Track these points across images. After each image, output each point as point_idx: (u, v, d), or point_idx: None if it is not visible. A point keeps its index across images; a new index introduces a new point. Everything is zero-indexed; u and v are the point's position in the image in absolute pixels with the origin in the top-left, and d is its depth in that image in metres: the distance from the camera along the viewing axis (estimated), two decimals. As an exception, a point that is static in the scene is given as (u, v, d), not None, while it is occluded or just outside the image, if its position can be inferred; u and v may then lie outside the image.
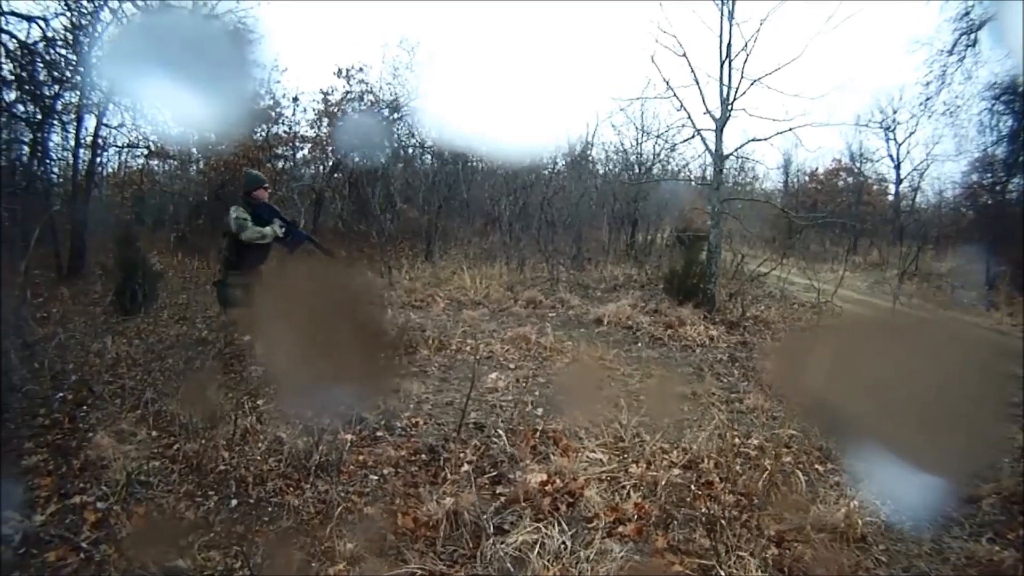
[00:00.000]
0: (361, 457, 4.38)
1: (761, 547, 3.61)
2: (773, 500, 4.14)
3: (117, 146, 12.56)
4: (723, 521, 3.78)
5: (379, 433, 4.81)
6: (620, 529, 3.71)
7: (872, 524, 3.89)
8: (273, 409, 5.01)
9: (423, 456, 4.47)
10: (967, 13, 16.83)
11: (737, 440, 4.88)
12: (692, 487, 4.19)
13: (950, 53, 17.15)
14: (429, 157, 15.84)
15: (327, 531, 3.49)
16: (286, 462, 4.14)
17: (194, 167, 14.22)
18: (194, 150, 13.56)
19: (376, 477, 4.16)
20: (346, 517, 3.70)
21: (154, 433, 4.52)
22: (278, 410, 4.99)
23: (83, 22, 10.44)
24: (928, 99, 18.23)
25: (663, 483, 4.13)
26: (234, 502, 3.79)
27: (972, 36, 16.92)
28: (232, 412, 4.68)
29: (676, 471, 4.37)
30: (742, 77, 10.56)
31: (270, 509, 3.77)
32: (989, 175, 18.41)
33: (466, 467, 4.24)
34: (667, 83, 11.24)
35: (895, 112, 22.60)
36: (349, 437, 4.57)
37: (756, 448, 4.83)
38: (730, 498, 4.12)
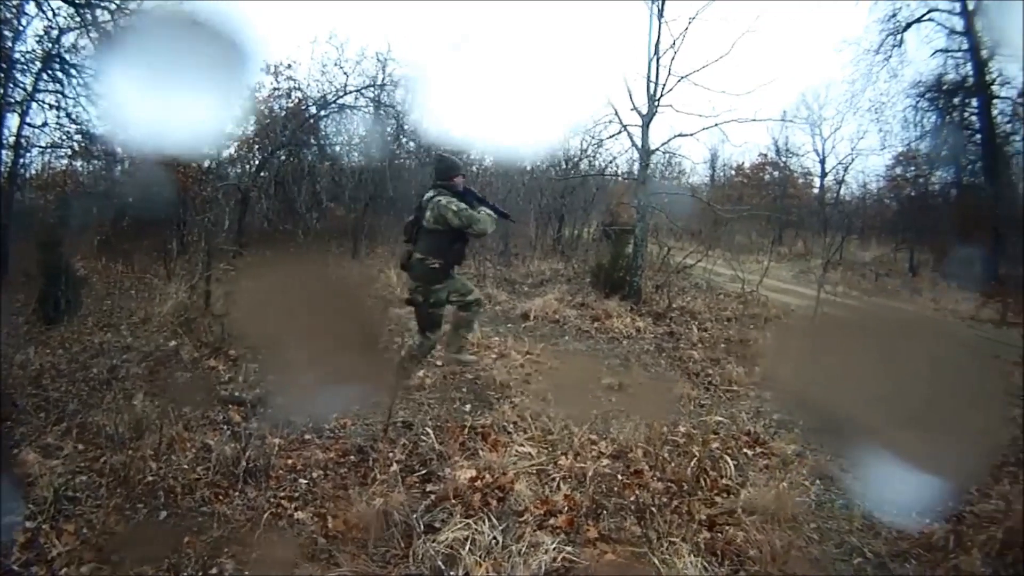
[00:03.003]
0: (290, 461, 4.35)
1: (693, 532, 3.70)
2: (703, 485, 4.23)
3: (40, 146, 12.19)
4: (653, 508, 3.88)
5: (307, 436, 4.78)
6: (551, 521, 3.76)
7: (802, 504, 4.02)
8: (200, 415, 4.96)
9: (352, 457, 4.47)
10: (894, 15, 17.49)
11: (665, 429, 4.92)
12: (621, 477, 4.26)
13: (876, 52, 17.79)
14: (357, 154, 15.72)
15: (257, 538, 3.47)
16: (214, 470, 4.09)
17: (119, 167, 13.92)
18: (119, 149, 13.23)
19: (305, 481, 4.14)
20: (277, 523, 3.68)
21: (80, 446, 4.40)
22: (205, 416, 4.96)
23: (7, 15, 10.15)
24: (854, 96, 19.00)
25: (592, 474, 4.19)
26: (164, 513, 3.74)
27: (898, 37, 17.59)
28: (158, 420, 4.59)
29: (605, 461, 4.45)
30: (669, 74, 10.68)
31: (200, 519, 3.72)
32: (912, 169, 19.15)
33: (395, 466, 4.22)
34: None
35: (821, 108, 23.13)
36: (277, 441, 4.53)
37: (684, 435, 4.90)
38: (659, 485, 4.20)
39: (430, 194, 5.79)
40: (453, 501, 3.89)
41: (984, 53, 16.65)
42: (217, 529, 3.62)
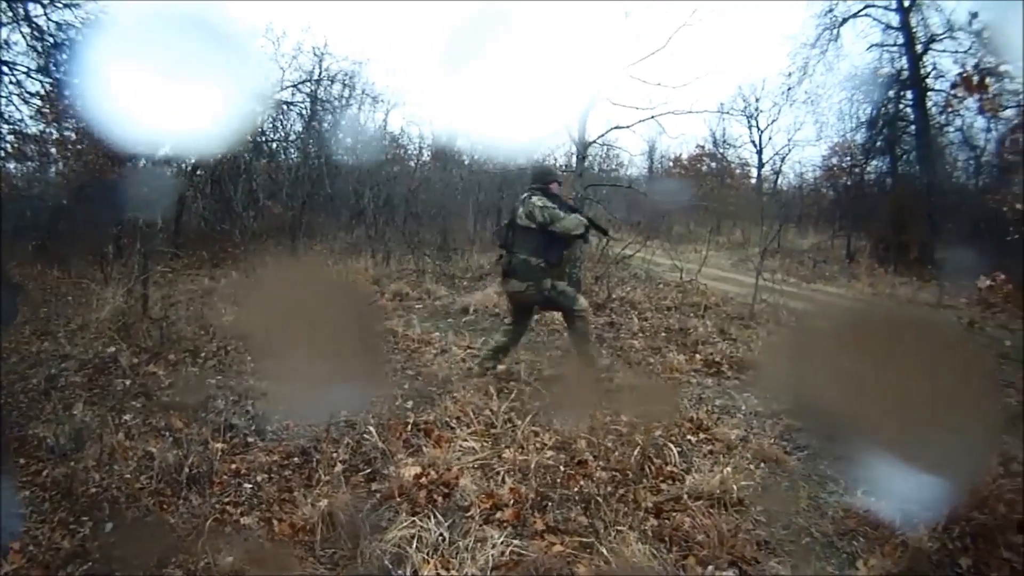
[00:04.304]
0: (234, 465, 4.29)
1: (639, 520, 3.75)
2: (647, 473, 4.29)
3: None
4: (599, 498, 3.91)
5: (250, 439, 4.72)
6: (497, 515, 3.78)
7: (748, 488, 4.08)
8: (141, 423, 4.89)
9: (296, 459, 4.42)
10: (831, 10, 18.08)
11: (608, 418, 4.99)
12: (564, 468, 4.29)
13: (813, 46, 18.35)
14: (294, 151, 15.57)
15: (204, 546, 3.41)
16: (157, 478, 4.02)
17: (53, 168, 13.64)
18: (53, 150, 12.95)
19: (250, 485, 4.09)
20: (223, 529, 3.64)
21: (21, 460, 4.30)
22: (146, 423, 4.89)
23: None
24: (790, 89, 19.78)
25: (535, 466, 4.23)
26: (109, 526, 3.65)
27: (835, 31, 18.17)
28: (99, 430, 4.52)
29: (549, 453, 4.48)
30: (607, 67, 10.75)
31: (146, 529, 3.66)
32: (848, 159, 19.72)
33: (339, 467, 4.23)
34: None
35: (758, 101, 23.71)
36: (219, 446, 4.48)
37: (627, 424, 4.95)
38: (604, 475, 4.25)
39: (524, 195, 6.10)
40: (399, 499, 3.90)
41: (919, 48, 17.12)
42: (163, 539, 3.56)
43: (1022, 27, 4.52)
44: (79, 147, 12.39)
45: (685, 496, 3.99)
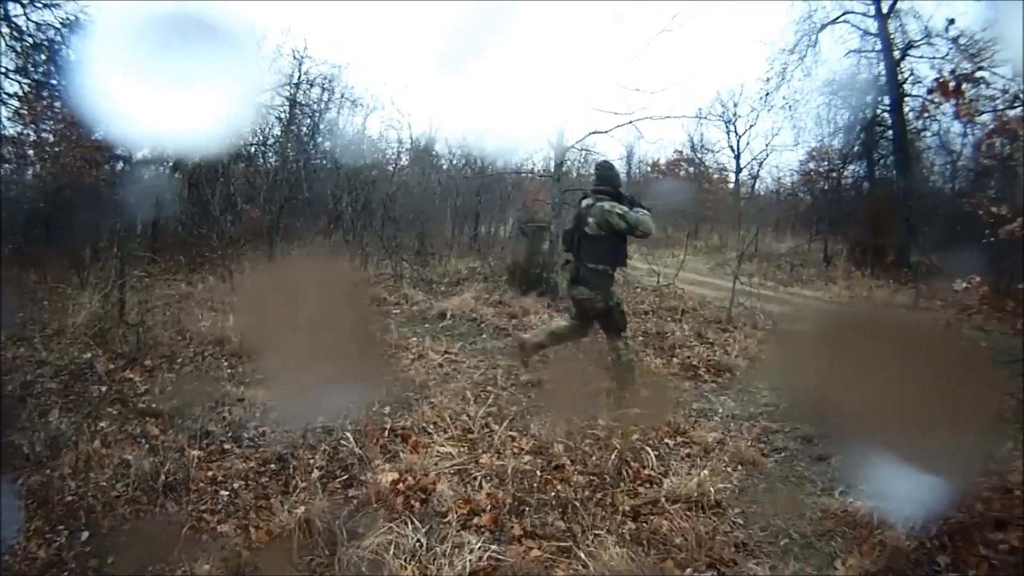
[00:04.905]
0: (210, 473, 4.26)
1: (617, 523, 3.77)
2: (625, 477, 4.30)
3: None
4: (576, 502, 3.93)
5: (227, 446, 4.70)
6: (475, 520, 3.78)
7: (725, 490, 4.11)
8: (117, 430, 4.86)
9: (272, 466, 4.41)
10: (810, 16, 18.24)
11: (584, 423, 5.01)
12: (542, 472, 4.31)
13: (791, 52, 18.49)
14: (272, 155, 15.48)
15: (180, 554, 3.40)
16: (134, 486, 4.00)
17: (30, 171, 13.50)
18: (31, 152, 12.83)
19: (227, 492, 4.07)
20: (199, 537, 3.61)
21: (-4, 468, 4.29)
22: (122, 430, 4.86)
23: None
24: (768, 94, 19.82)
25: (512, 471, 4.25)
26: (85, 534, 3.62)
27: (814, 37, 18.35)
28: (74, 437, 4.49)
29: (526, 458, 4.49)
30: (586, 72, 10.81)
31: (122, 538, 3.63)
32: (825, 163, 19.85)
33: (316, 473, 4.22)
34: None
35: (736, 106, 23.78)
36: (196, 453, 4.46)
37: (604, 428, 4.97)
38: (581, 479, 4.27)
39: (589, 201, 5.93)
40: (376, 505, 3.89)
41: (896, 54, 17.29)
42: (139, 547, 3.55)
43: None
44: (57, 149, 12.26)
45: (663, 499, 4.00)
